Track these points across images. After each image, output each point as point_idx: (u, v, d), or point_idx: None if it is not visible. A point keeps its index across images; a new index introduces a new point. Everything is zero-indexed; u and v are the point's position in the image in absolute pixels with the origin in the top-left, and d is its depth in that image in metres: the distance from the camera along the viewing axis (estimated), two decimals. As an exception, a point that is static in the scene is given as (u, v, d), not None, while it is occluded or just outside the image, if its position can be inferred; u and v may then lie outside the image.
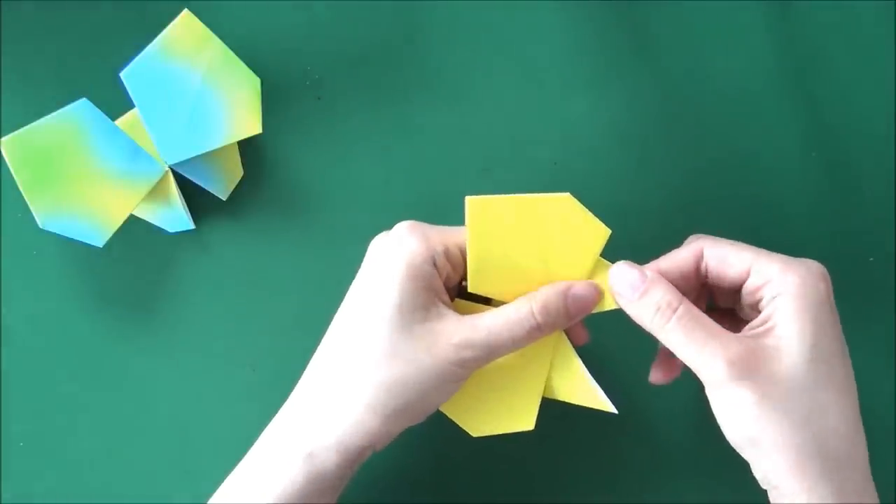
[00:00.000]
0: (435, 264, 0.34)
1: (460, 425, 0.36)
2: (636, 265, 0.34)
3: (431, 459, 0.42)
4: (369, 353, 0.33)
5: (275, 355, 0.42)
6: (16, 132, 0.38)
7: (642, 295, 0.33)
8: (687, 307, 0.32)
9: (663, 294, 0.32)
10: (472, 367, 0.34)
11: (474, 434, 0.36)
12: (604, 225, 0.33)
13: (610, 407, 0.35)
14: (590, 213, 0.33)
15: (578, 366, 0.36)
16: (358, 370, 0.33)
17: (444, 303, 0.34)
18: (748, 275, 0.33)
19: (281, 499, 0.33)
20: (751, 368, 0.30)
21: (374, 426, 0.33)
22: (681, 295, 0.33)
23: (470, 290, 0.35)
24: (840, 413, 0.31)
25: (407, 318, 0.33)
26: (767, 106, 0.44)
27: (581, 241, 0.34)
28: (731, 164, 0.44)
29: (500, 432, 0.36)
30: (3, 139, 0.38)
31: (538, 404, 0.36)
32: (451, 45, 0.45)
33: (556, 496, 0.41)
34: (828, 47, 0.45)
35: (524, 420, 0.36)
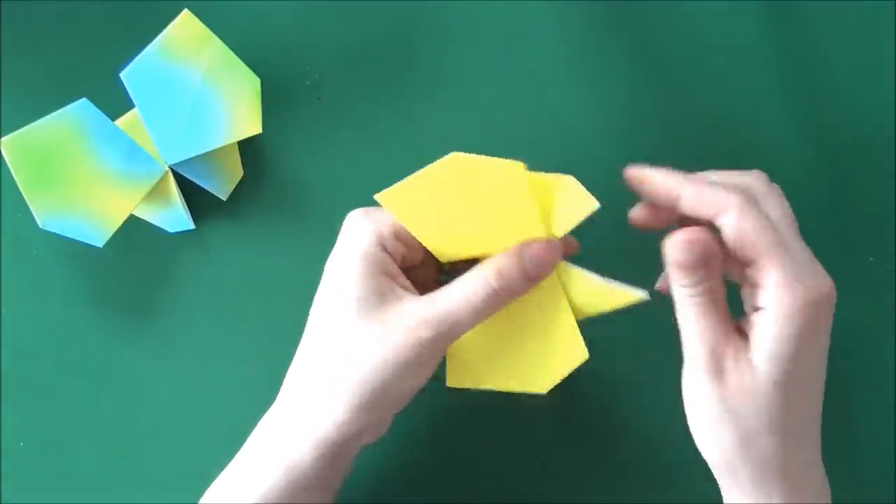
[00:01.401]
0: (386, 248, 0.34)
1: (527, 391, 0.35)
2: (700, 234, 0.31)
3: (434, 458, 0.42)
4: (331, 349, 0.33)
5: (274, 355, 0.42)
6: (16, 132, 0.38)
7: (698, 280, 0.31)
8: (712, 286, 0.31)
9: (707, 275, 0.31)
10: (436, 345, 0.32)
11: (546, 390, 0.35)
12: (513, 161, 0.32)
13: (639, 294, 0.34)
14: (488, 158, 0.32)
15: (587, 277, 0.34)
16: (322, 366, 0.33)
17: (401, 286, 0.34)
18: (753, 264, 0.32)
19: (264, 499, 0.33)
20: (724, 368, 0.31)
21: (345, 419, 0.32)
22: (716, 271, 0.31)
23: (443, 261, 0.35)
24: (787, 431, 0.31)
25: (363, 306, 0.32)
26: (767, 105, 0.44)
27: (503, 186, 0.33)
28: (731, 164, 0.44)
29: (564, 374, 0.35)
30: (3, 139, 0.38)
31: (578, 331, 0.35)
32: (451, 45, 0.45)
33: (560, 495, 0.41)
34: (828, 47, 0.45)
35: (576, 353, 0.35)
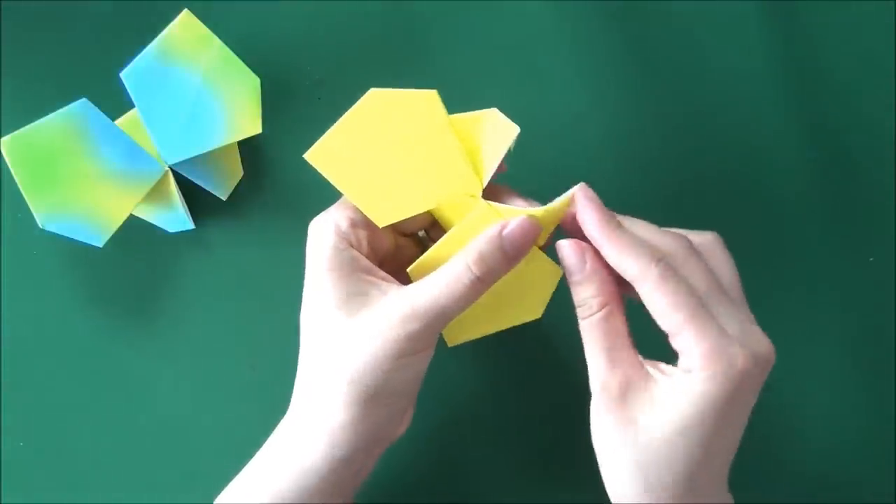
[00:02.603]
0: (350, 243, 0.34)
1: (523, 322, 0.36)
2: (581, 247, 0.33)
3: (435, 460, 0.42)
4: (325, 353, 0.33)
5: (275, 355, 0.42)
6: (16, 132, 0.38)
7: (577, 283, 0.33)
8: (606, 313, 0.32)
9: (592, 293, 0.32)
10: (427, 335, 0.32)
11: (539, 314, 0.36)
12: (425, 90, 0.33)
13: (571, 192, 0.33)
14: (403, 90, 0.33)
15: (528, 208, 0.34)
16: (320, 371, 0.33)
17: (381, 279, 0.34)
18: (672, 334, 0.31)
19: (276, 498, 0.33)
20: (621, 403, 0.31)
21: (347, 418, 0.32)
22: (609, 296, 0.32)
23: (381, 225, 0.35)
24: (693, 488, 0.30)
25: (349, 308, 0.33)
26: (767, 106, 0.44)
27: (424, 120, 0.33)
28: (731, 164, 0.44)
29: (549, 295, 0.36)
30: (3, 139, 0.38)
31: (544, 255, 0.35)
32: (451, 45, 0.45)
33: (562, 496, 0.41)
34: (828, 47, 0.45)
35: (550, 273, 0.35)
